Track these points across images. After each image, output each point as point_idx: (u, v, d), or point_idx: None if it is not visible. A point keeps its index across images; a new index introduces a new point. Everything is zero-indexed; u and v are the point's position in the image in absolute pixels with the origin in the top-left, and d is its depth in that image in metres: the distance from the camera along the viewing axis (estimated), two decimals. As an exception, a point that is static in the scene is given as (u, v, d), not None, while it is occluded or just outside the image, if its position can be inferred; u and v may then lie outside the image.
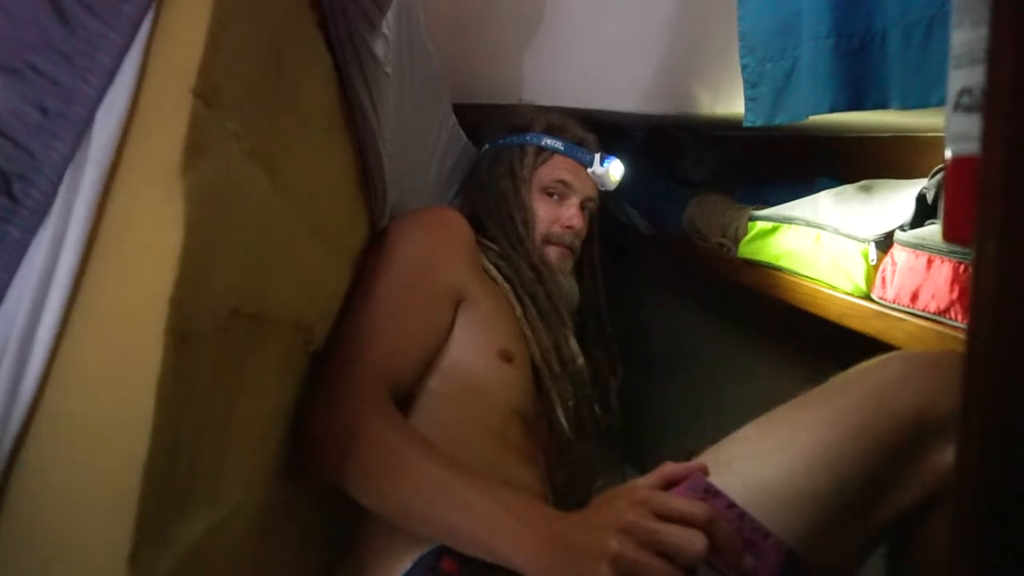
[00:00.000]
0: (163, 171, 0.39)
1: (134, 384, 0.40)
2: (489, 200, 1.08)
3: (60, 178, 0.39)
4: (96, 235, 0.40)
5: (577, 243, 1.10)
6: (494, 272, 0.97)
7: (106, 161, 0.39)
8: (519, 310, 0.95)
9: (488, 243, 1.02)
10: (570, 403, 0.94)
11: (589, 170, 1.12)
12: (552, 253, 1.06)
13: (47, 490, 0.41)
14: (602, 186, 1.14)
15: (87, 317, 0.40)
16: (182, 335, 0.41)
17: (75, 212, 0.39)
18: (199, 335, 0.44)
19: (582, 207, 1.10)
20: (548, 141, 1.11)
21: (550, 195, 1.08)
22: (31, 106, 0.39)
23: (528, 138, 1.11)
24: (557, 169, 1.09)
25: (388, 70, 0.74)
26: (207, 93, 0.41)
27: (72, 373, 0.40)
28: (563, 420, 0.91)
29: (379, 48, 0.70)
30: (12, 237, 0.39)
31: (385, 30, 0.71)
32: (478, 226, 1.02)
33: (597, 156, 1.12)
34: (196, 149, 0.40)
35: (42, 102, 0.39)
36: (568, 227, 1.07)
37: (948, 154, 0.35)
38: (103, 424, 0.41)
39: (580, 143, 1.13)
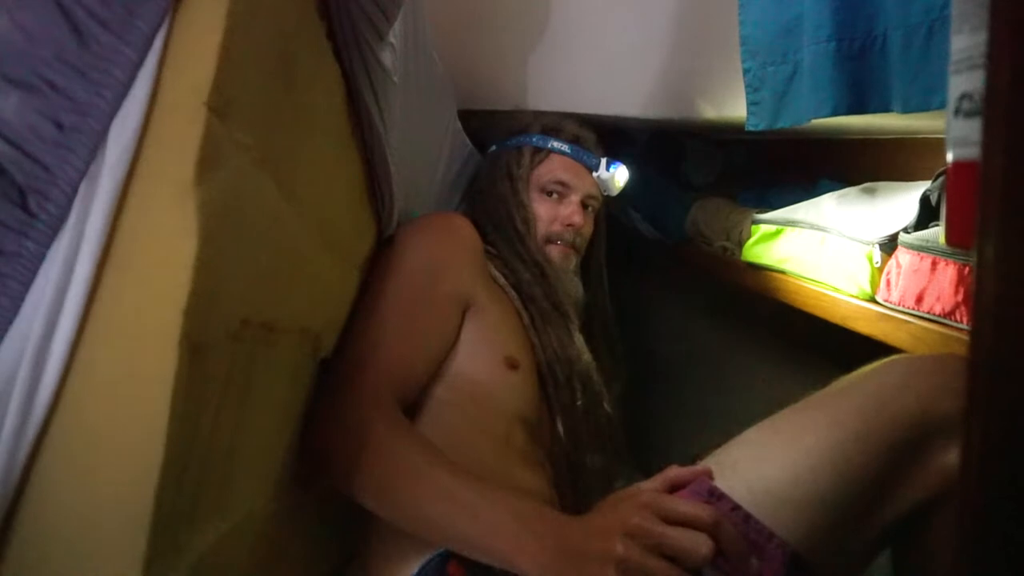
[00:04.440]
0: (177, 183, 0.40)
1: (148, 395, 0.40)
2: (488, 203, 1.08)
3: (75, 191, 0.40)
4: (111, 247, 0.40)
5: (579, 241, 1.09)
6: (501, 280, 0.98)
7: (120, 174, 0.40)
8: (526, 318, 0.95)
9: (490, 249, 1.02)
10: (579, 404, 0.94)
11: (595, 174, 1.12)
12: (554, 252, 1.06)
13: (62, 500, 0.41)
14: (606, 191, 1.14)
15: (102, 329, 0.40)
16: (195, 345, 0.42)
17: (90, 225, 0.40)
18: (211, 345, 0.45)
19: (584, 205, 1.10)
20: (545, 141, 1.11)
21: (549, 194, 1.08)
22: (47, 121, 0.39)
23: (525, 139, 1.12)
24: (555, 169, 1.09)
25: (395, 79, 0.75)
26: (220, 106, 0.41)
27: (87, 384, 0.41)
28: (561, 430, 0.91)
29: (386, 57, 0.70)
30: (28, 250, 0.40)
31: (392, 39, 0.72)
32: (481, 232, 1.02)
33: (603, 161, 1.13)
34: (209, 161, 0.41)
35: (57, 117, 0.39)
36: (569, 225, 1.06)
37: (949, 159, 0.36)
38: (117, 435, 0.41)
39: (576, 141, 1.13)
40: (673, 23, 1.10)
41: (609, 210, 1.25)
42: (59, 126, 0.39)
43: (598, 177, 1.12)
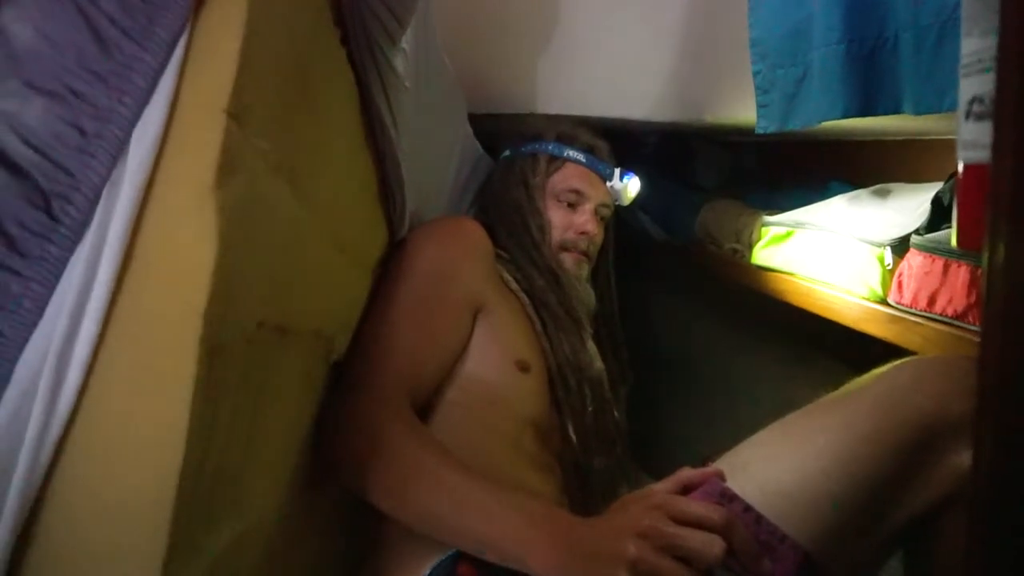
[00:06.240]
0: (197, 188, 0.40)
1: (168, 397, 0.41)
2: (502, 209, 1.09)
3: (97, 196, 0.40)
4: (132, 251, 0.41)
5: (592, 249, 1.10)
6: (512, 284, 0.98)
7: (141, 179, 0.41)
8: (538, 324, 0.95)
9: (502, 253, 1.03)
10: (589, 409, 0.94)
11: (608, 184, 1.13)
12: (568, 260, 1.06)
13: (83, 500, 0.42)
14: (618, 200, 1.16)
15: (123, 331, 0.41)
16: (213, 348, 0.42)
17: (112, 229, 0.40)
18: (229, 348, 0.45)
19: (596, 213, 1.11)
20: (561, 150, 1.12)
21: (563, 203, 1.09)
22: (70, 127, 0.40)
23: (540, 147, 1.12)
24: (570, 177, 1.10)
25: (408, 84, 0.76)
26: (238, 112, 0.42)
27: (108, 386, 0.41)
28: (572, 435, 0.91)
29: (399, 63, 0.71)
30: (51, 254, 0.41)
31: (404, 45, 0.73)
32: (492, 236, 1.02)
33: (617, 171, 1.14)
34: (228, 167, 0.41)
35: (80, 123, 0.40)
36: (583, 232, 1.07)
37: (960, 161, 0.36)
38: (138, 436, 0.42)
39: (592, 150, 1.14)
40: (682, 26, 1.10)
41: (618, 212, 1.25)
42: (82, 132, 0.40)
43: (611, 187, 1.13)
